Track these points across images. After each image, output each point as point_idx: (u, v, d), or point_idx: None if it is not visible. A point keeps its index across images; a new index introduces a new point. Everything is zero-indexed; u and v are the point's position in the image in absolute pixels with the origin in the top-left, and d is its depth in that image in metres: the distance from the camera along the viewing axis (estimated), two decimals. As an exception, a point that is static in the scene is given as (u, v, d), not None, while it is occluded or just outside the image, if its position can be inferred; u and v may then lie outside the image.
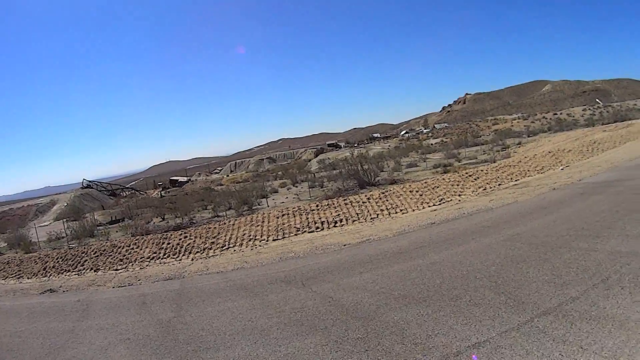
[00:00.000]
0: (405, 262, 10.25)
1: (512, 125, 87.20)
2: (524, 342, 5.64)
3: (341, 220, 18.39)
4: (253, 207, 28.54)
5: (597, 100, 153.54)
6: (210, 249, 17.30)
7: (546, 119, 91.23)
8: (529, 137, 60.10)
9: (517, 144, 48.55)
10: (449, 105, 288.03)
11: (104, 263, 17.80)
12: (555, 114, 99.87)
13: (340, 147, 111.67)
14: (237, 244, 17.46)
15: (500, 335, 5.92)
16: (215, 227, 20.16)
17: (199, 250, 17.38)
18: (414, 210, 18.69)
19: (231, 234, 18.78)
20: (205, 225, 21.61)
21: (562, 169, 23.16)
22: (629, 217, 10.89)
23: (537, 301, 6.78)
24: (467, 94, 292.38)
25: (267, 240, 17.30)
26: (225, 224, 20.70)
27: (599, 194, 14.50)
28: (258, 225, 19.43)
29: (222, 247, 17.32)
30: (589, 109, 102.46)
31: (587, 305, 6.36)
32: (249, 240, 17.66)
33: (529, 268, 8.35)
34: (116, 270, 16.59)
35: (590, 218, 11.48)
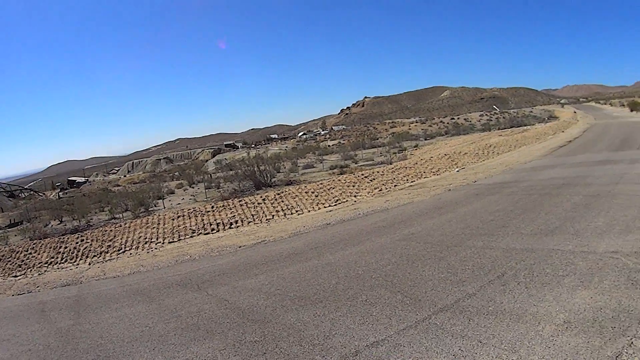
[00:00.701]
0: (301, 263, 10.30)
1: (410, 129, 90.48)
2: (422, 339, 5.72)
3: (237, 222, 18.64)
4: (150, 209, 28.77)
5: (494, 106, 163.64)
6: (107, 252, 17.31)
7: (444, 123, 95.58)
8: (426, 140, 62.71)
9: (414, 147, 50.61)
10: (348, 107, 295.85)
11: (3, 269, 17.92)
12: (453, 118, 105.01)
13: (238, 148, 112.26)
14: (134, 247, 17.59)
15: (399, 333, 5.97)
16: (111, 230, 20.12)
17: (95, 254, 17.37)
18: (309, 211, 19.03)
19: (127, 237, 18.80)
20: (102, 228, 21.51)
21: (457, 171, 24.38)
22: (523, 216, 11.58)
23: (434, 298, 6.90)
24: (366, 97, 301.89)
25: (163, 243, 17.48)
26: (121, 226, 20.71)
27: (494, 195, 15.34)
28: (154, 228, 19.49)
29: (118, 250, 17.40)
30: (486, 114, 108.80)
31: (484, 301, 6.56)
32: (145, 243, 17.84)
33: (425, 266, 8.54)
34: (15, 276, 16.46)
35: (485, 217, 12.08)
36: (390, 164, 33.26)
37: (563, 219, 10.88)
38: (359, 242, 11.44)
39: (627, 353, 4.87)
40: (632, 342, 5.08)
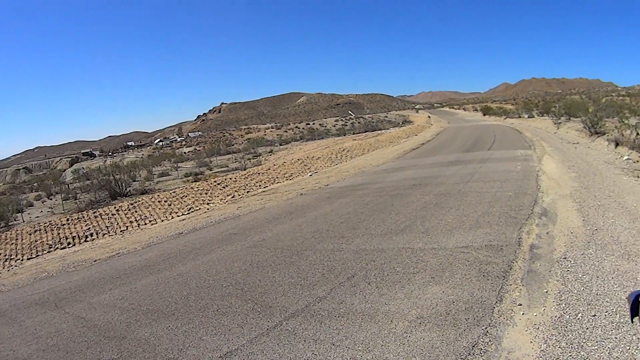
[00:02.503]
0: (153, 275, 9.84)
1: (265, 134, 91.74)
2: (275, 346, 5.61)
3: (92, 235, 18.05)
4: (10, 223, 27.32)
5: (350, 112, 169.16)
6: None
7: (299, 128, 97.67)
8: (281, 145, 63.83)
9: (269, 152, 51.29)
10: (204, 114, 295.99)
11: None
12: (309, 124, 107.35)
13: (95, 156, 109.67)
14: (-5, 265, 16.22)
15: (251, 341, 5.82)
16: (-31, 249, 18.41)
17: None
18: (163, 220, 18.74)
19: (-13, 255, 17.39)
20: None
21: (310, 175, 24.78)
22: (373, 217, 11.83)
23: (284, 304, 6.74)
24: (222, 103, 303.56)
25: (22, 260, 16.62)
26: (-22, 244, 19.06)
27: (345, 197, 15.61)
28: (12, 244, 18.40)
29: (-21, 271, 15.88)
30: (342, 120, 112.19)
31: (335, 303, 6.49)
32: (5, 260, 17.00)
33: (275, 272, 8.39)
34: None
35: (336, 220, 12.20)
36: (245, 170, 33.38)
37: (413, 218, 11.24)
38: (210, 250, 11.10)
39: (482, 342, 5.05)
40: (487, 331, 5.27)
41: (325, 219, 12.60)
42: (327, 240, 10.21)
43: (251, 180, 24.95)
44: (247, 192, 21.96)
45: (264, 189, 22.03)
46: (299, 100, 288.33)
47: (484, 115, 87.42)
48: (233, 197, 21.07)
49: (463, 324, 5.42)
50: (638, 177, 14.05)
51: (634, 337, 4.85)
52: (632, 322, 3.72)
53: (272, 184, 23.57)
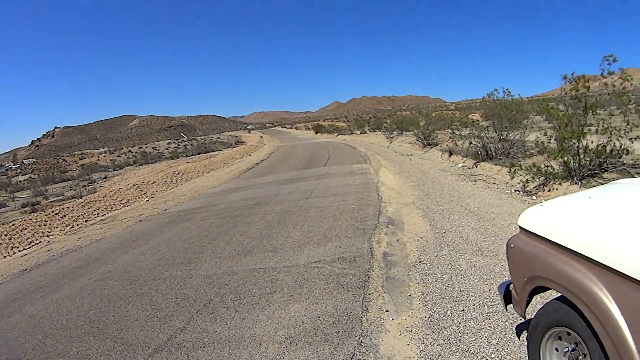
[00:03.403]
0: (3, 320, 8.70)
1: (99, 160, 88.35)
2: None
3: None
4: None
5: (182, 134, 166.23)
6: None
7: (132, 152, 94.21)
8: (115, 170, 61.72)
9: (104, 178, 49.05)
10: (38, 139, 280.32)
11: None
12: (142, 147, 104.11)
13: None
14: None
15: None
16: None
17: None
18: (5, 257, 17.24)
19: None
20: None
21: (147, 201, 23.93)
22: (218, 240, 11.54)
23: (145, 340, 6.30)
24: (56, 127, 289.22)
25: None
26: None
27: (186, 221, 15.11)
28: None
29: None
30: (174, 142, 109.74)
31: (197, 332, 6.20)
32: None
33: (128, 306, 7.86)
34: None
35: (180, 245, 11.75)
36: (81, 197, 31.86)
37: (259, 237, 11.13)
38: (57, 287, 10.08)
39: (359, 352, 5.06)
40: (361, 342, 5.29)
41: (168, 245, 12.08)
42: (175, 267, 9.77)
43: (88, 208, 23.74)
44: (86, 221, 20.76)
45: (102, 217, 20.89)
46: (131, 123, 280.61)
47: (316, 133, 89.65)
48: (72, 227, 19.79)
49: (335, 338, 5.41)
50: (475, 181, 15.19)
51: (506, 323, 5.17)
52: (506, 309, 4.11)
53: (110, 211, 22.42)
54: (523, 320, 3.77)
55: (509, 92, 18.54)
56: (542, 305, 3.47)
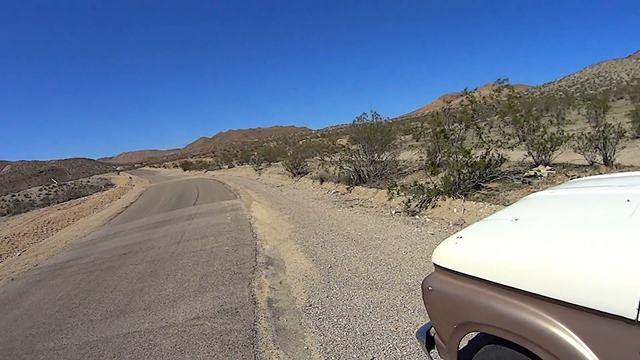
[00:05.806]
0: None
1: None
2: None
3: None
4: None
5: (53, 179, 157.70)
6: None
7: (5, 201, 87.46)
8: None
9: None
10: None
11: None
12: (14, 195, 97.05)
13: None
14: None
15: None
16: None
17: None
18: None
19: None
20: None
21: (19, 255, 21.30)
22: (89, 299, 9.96)
23: None
24: None
25: None
26: None
27: (56, 278, 13.23)
28: None
29: None
30: (45, 188, 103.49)
31: None
32: None
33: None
34: None
35: (51, 309, 9.99)
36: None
37: (131, 293, 9.70)
38: None
39: None
40: None
41: (39, 309, 10.21)
42: (46, 336, 8.13)
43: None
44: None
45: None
46: (3, 170, 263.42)
47: (185, 170, 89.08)
48: None
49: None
50: (352, 207, 14.63)
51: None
52: (430, 357, 3.22)
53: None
54: None
55: (378, 115, 18.70)
56: (476, 351, 2.79)
